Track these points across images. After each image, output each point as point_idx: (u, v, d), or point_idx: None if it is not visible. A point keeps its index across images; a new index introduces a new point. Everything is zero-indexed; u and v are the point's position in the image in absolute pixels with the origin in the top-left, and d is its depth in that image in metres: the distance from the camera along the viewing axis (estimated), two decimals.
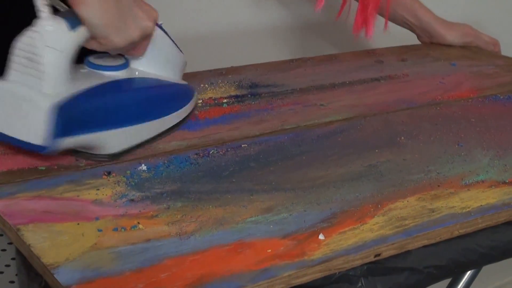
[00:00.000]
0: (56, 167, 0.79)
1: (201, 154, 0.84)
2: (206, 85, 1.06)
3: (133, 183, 0.76)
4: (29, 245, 0.63)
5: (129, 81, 0.86)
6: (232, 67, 1.12)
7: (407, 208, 0.74)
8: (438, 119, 0.99)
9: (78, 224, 0.67)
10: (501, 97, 1.09)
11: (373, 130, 0.94)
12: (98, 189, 0.74)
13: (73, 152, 0.81)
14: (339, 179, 0.80)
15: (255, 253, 0.65)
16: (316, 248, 0.67)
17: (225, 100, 1.01)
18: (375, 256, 0.68)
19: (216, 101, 1.01)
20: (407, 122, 0.97)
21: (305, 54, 1.26)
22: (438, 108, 1.03)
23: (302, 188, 0.78)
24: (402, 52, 1.30)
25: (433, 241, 0.71)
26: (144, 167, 0.80)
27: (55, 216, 0.69)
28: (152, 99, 0.88)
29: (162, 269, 0.62)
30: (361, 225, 0.71)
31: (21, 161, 0.80)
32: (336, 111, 1.00)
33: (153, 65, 0.88)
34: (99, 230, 0.67)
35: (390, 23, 1.34)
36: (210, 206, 0.73)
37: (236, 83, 1.07)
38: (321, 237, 0.68)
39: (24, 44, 0.75)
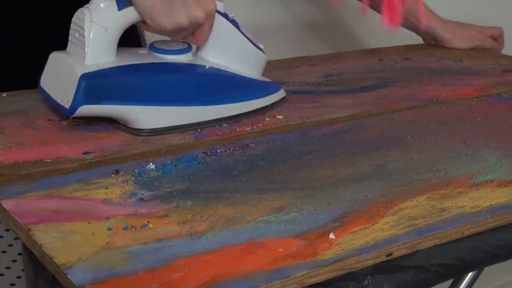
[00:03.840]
0: (62, 159, 0.79)
1: (208, 153, 0.84)
2: None
3: (142, 182, 0.76)
4: (41, 245, 0.63)
5: (179, 65, 0.89)
6: None
7: (417, 208, 0.74)
8: (444, 119, 0.99)
9: (89, 223, 0.67)
10: (505, 96, 1.10)
11: (379, 129, 0.94)
12: (107, 188, 0.74)
13: (112, 121, 0.88)
14: (347, 178, 0.80)
15: (267, 253, 0.65)
16: (328, 247, 0.66)
17: None
18: (387, 255, 0.68)
19: None
20: (413, 121, 0.97)
21: (309, 53, 1.26)
22: (443, 107, 1.03)
23: (311, 187, 0.77)
24: (406, 51, 1.31)
25: (444, 241, 0.71)
26: (152, 165, 0.80)
27: (66, 215, 0.68)
28: (201, 85, 0.90)
29: (175, 269, 0.61)
30: (372, 225, 0.71)
31: (27, 153, 0.80)
32: (340, 108, 1.00)
33: (221, 57, 0.92)
34: (109, 229, 0.67)
35: None
36: (220, 205, 0.72)
37: None
38: (331, 236, 0.68)
39: (77, 18, 0.84)
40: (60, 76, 0.85)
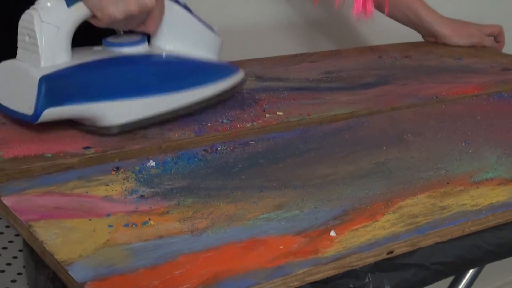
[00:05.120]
0: (62, 154, 0.79)
1: (209, 151, 0.84)
2: None
3: (142, 179, 0.76)
4: (42, 241, 0.63)
5: (137, 56, 0.87)
6: (237, 60, 1.12)
7: (418, 206, 0.74)
8: (444, 117, 0.99)
9: (90, 220, 0.67)
10: (506, 95, 1.10)
11: (380, 127, 0.94)
12: (107, 185, 0.74)
13: (78, 125, 0.85)
14: (348, 176, 0.80)
15: (268, 250, 0.65)
16: (329, 245, 0.66)
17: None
18: (388, 253, 0.68)
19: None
20: (413, 119, 0.97)
21: (308, 51, 1.26)
22: (443, 105, 1.03)
23: (311, 185, 0.77)
24: (406, 48, 1.31)
25: (444, 239, 0.71)
26: (152, 163, 0.80)
27: (66, 212, 0.68)
28: (163, 74, 0.89)
29: (176, 266, 0.61)
30: (372, 223, 0.70)
31: (27, 148, 0.80)
32: (340, 105, 1.00)
33: (176, 43, 0.90)
34: (110, 226, 0.67)
35: (394, 22, 1.33)
36: (221, 203, 0.72)
37: None
38: (332, 233, 0.68)
39: (25, 21, 0.80)
40: (14, 84, 0.81)
